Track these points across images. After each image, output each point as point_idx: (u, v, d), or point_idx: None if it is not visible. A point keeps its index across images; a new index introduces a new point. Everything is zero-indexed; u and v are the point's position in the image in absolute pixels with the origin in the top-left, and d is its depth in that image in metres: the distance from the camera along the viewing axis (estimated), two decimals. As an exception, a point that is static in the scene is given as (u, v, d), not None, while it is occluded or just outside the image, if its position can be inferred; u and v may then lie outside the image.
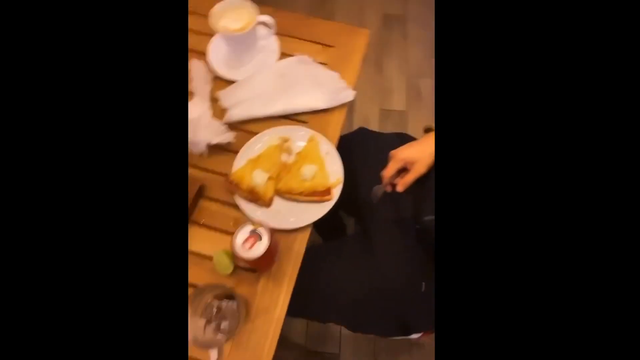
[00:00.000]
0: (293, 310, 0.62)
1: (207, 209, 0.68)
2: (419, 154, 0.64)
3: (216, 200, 0.69)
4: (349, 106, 0.76)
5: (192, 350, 0.57)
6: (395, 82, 1.67)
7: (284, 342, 0.58)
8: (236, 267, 0.63)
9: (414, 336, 0.78)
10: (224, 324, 0.53)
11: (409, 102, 1.63)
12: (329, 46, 0.81)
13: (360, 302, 0.73)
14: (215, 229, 0.67)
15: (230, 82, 0.77)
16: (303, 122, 0.74)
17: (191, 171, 0.70)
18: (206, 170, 0.71)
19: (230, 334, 0.52)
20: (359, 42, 0.82)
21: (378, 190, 0.71)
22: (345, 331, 1.25)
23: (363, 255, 0.75)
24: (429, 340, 1.25)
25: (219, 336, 0.52)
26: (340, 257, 0.77)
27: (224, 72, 0.77)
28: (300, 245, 0.65)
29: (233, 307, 0.54)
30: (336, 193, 0.67)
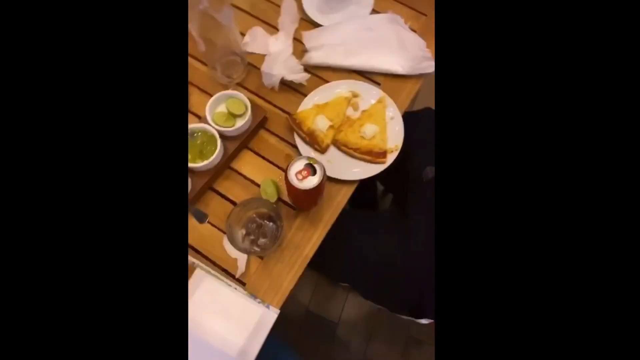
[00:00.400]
0: (311, 262, 0.63)
1: (265, 140, 0.70)
2: None
3: (275, 134, 0.71)
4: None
5: (220, 257, 0.60)
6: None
7: (290, 297, 0.60)
8: (278, 200, 0.65)
9: (423, 321, 0.78)
10: (261, 241, 0.55)
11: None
12: (423, 14, 0.80)
13: (381, 271, 0.73)
14: (268, 160, 0.69)
15: (316, 26, 0.77)
16: (376, 83, 0.74)
17: (259, 101, 0.72)
18: (273, 104, 0.73)
19: (264, 251, 0.55)
20: (454, 18, 0.80)
21: (430, 172, 0.71)
22: (347, 307, 1.27)
23: (396, 229, 0.75)
24: (428, 338, 1.24)
25: (253, 249, 0.54)
26: (372, 226, 0.78)
27: (314, 14, 0.78)
28: (343, 197, 0.66)
29: (273, 229, 0.56)
30: (390, 158, 0.67)
